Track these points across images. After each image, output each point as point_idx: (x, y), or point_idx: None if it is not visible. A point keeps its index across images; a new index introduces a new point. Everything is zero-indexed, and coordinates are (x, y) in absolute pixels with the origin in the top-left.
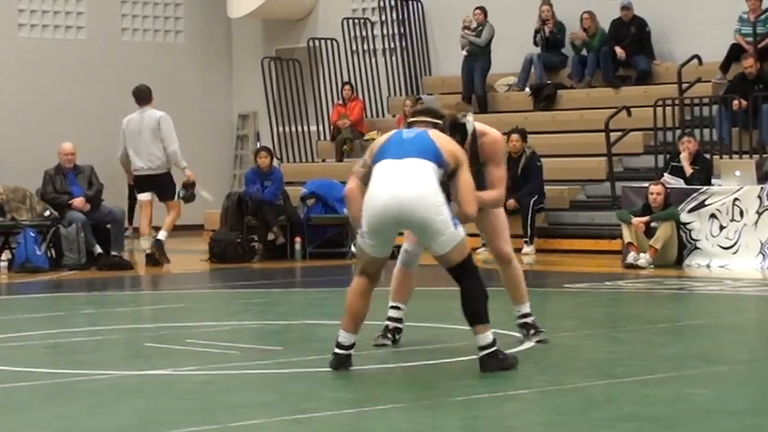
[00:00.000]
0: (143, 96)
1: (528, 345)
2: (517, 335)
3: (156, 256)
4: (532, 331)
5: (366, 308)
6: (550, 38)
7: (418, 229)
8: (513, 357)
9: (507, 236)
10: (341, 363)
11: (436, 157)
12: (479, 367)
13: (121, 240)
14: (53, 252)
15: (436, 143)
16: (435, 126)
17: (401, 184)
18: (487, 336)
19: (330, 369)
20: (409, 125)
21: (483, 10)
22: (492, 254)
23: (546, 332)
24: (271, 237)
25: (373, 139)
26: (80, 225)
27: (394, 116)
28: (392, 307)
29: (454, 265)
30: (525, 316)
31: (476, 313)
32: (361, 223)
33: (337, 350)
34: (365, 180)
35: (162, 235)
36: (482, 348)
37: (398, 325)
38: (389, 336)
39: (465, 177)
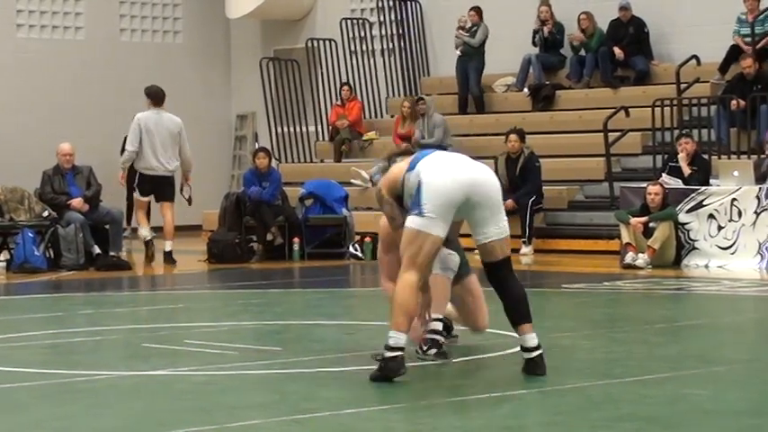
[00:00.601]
0: (161, 97)
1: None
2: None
3: (149, 253)
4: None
5: (417, 305)
6: (549, 38)
7: (488, 208)
8: (544, 365)
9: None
10: (400, 366)
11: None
12: (531, 369)
13: (120, 241)
14: (51, 252)
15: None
16: None
17: (472, 166)
18: (534, 337)
19: (385, 375)
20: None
21: (478, 11)
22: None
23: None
24: (269, 237)
25: (372, 140)
26: (78, 225)
27: (392, 117)
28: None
29: (502, 257)
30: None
31: (523, 311)
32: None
33: (393, 353)
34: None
35: (170, 245)
36: (531, 349)
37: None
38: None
39: None
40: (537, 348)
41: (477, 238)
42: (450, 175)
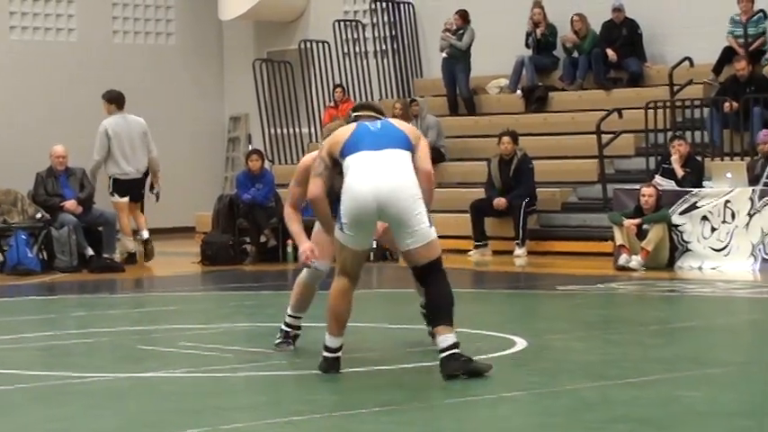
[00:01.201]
0: (123, 101)
1: (519, 347)
2: (507, 336)
3: (148, 250)
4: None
5: (350, 309)
6: (542, 40)
7: (396, 220)
8: (485, 364)
9: None
10: (330, 366)
11: (407, 144)
12: (440, 369)
13: (113, 243)
14: (45, 254)
15: (403, 130)
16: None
17: (384, 174)
18: (449, 337)
19: (320, 372)
20: (355, 119)
21: (463, 14)
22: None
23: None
24: (262, 239)
25: None
26: (72, 227)
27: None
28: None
29: (424, 262)
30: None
31: (440, 313)
32: (332, 223)
33: (326, 354)
34: (327, 180)
35: (146, 233)
36: (443, 350)
37: (298, 332)
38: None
39: (424, 144)
40: (447, 349)
41: (399, 245)
42: (365, 190)
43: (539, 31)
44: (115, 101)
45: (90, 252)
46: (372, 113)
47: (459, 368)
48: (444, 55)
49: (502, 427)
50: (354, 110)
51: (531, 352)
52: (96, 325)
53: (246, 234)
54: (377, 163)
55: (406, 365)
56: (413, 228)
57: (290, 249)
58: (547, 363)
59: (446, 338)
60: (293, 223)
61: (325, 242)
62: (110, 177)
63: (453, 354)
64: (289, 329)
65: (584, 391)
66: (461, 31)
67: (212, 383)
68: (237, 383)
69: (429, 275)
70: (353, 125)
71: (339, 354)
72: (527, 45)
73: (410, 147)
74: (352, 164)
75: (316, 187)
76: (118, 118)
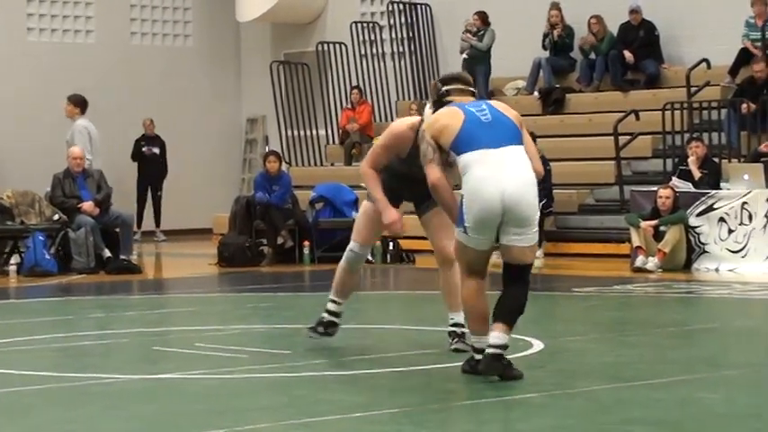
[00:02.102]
0: (87, 105)
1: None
2: (524, 338)
3: None
4: (456, 339)
5: (488, 305)
6: (559, 42)
7: (516, 221)
8: (520, 372)
9: (453, 235)
10: (492, 363)
11: (519, 136)
12: (480, 364)
13: (130, 244)
14: (62, 256)
15: (512, 119)
16: (468, 95)
17: (509, 177)
18: (503, 337)
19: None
20: (446, 95)
21: (482, 15)
22: (436, 254)
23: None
24: (279, 240)
25: None
26: (89, 229)
27: None
28: (332, 301)
29: (526, 262)
30: (460, 325)
31: (507, 312)
32: (455, 209)
33: (479, 356)
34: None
35: None
36: (492, 347)
37: (334, 319)
38: (324, 330)
39: (527, 137)
40: (496, 347)
41: (501, 237)
42: (493, 194)
43: (556, 33)
44: (81, 104)
45: (107, 253)
46: (464, 86)
47: (500, 370)
48: (465, 56)
49: (518, 429)
50: (444, 82)
51: (548, 354)
52: (113, 326)
53: (263, 235)
54: (500, 164)
55: (422, 367)
56: (528, 230)
57: (306, 251)
58: (563, 364)
59: (500, 337)
60: (375, 186)
61: (365, 226)
62: None
63: (500, 354)
64: (324, 315)
65: (601, 393)
66: (482, 33)
67: (230, 385)
68: (255, 385)
69: (517, 277)
70: (461, 113)
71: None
72: (544, 47)
73: (521, 138)
74: (472, 163)
75: (435, 173)
76: (88, 121)
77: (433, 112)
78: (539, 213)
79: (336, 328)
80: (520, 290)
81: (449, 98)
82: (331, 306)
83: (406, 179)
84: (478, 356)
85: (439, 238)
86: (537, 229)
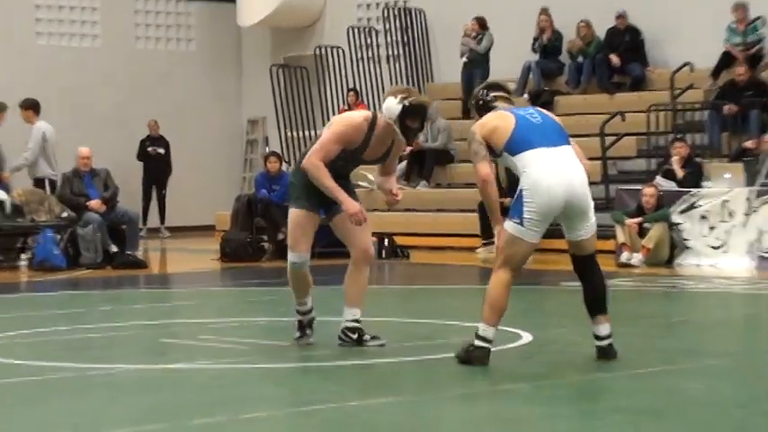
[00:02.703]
0: (40, 108)
1: (525, 340)
2: (513, 330)
3: None
4: (367, 337)
5: (508, 301)
6: (548, 45)
7: (578, 213)
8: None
9: (370, 234)
10: (485, 357)
11: (567, 137)
12: (602, 355)
13: (136, 240)
14: (71, 251)
15: (558, 122)
16: (510, 102)
17: (569, 172)
18: (607, 327)
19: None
20: (493, 100)
21: (480, 20)
22: (355, 250)
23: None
24: (279, 237)
25: None
26: (96, 225)
27: None
28: (298, 304)
29: (590, 252)
30: (358, 321)
31: (600, 303)
32: (498, 209)
33: (480, 344)
34: None
35: None
36: (603, 338)
37: (310, 315)
38: (310, 329)
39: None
40: (608, 337)
41: (569, 234)
42: (555, 186)
43: (545, 37)
44: (33, 107)
45: (114, 249)
46: (507, 94)
47: (615, 356)
48: (464, 60)
49: (508, 417)
50: (489, 88)
51: (536, 345)
52: (120, 319)
53: (264, 232)
54: (560, 160)
55: (416, 358)
56: (589, 220)
57: None
58: (551, 355)
59: (605, 327)
60: (327, 178)
61: (303, 236)
62: (44, 179)
63: (612, 344)
64: (301, 317)
65: (587, 383)
66: (480, 37)
67: (232, 375)
68: (255, 375)
69: (590, 265)
70: (511, 116)
71: (492, 345)
72: (534, 50)
73: (569, 139)
74: (532, 161)
75: (486, 169)
76: (46, 123)
77: (479, 117)
78: (592, 204)
79: (314, 319)
80: (598, 277)
81: (495, 104)
82: (300, 308)
83: (334, 177)
84: (480, 344)
85: (360, 238)
86: (594, 217)
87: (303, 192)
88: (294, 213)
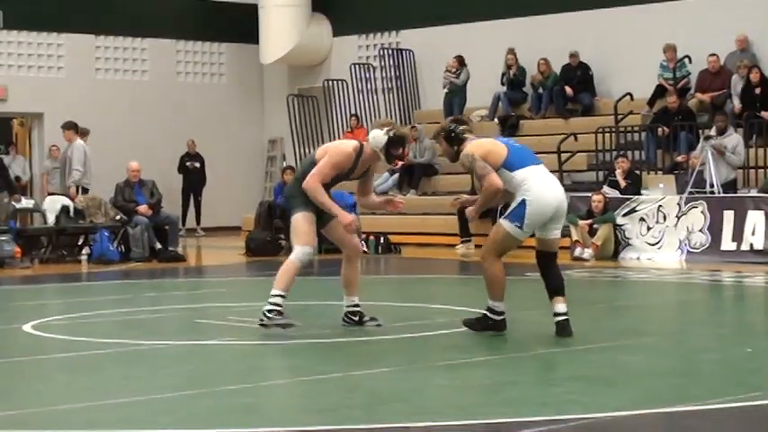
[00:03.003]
0: (78, 128)
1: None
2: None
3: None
4: (366, 318)
5: (504, 277)
6: (514, 79)
7: (559, 219)
8: (571, 331)
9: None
10: (502, 325)
11: None
12: (560, 330)
13: (176, 238)
14: (123, 248)
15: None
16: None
17: (559, 188)
18: (564, 306)
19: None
20: (463, 132)
21: (459, 58)
22: (347, 249)
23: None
24: None
25: None
26: (144, 226)
27: None
28: (280, 296)
29: (555, 250)
30: (357, 305)
31: (562, 287)
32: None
33: (496, 317)
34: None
35: None
36: (560, 314)
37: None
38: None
39: None
40: (565, 314)
41: (543, 233)
42: (551, 198)
43: (511, 72)
44: (73, 128)
45: (158, 246)
46: (470, 129)
47: (570, 333)
48: (446, 90)
49: (483, 384)
50: (459, 123)
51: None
52: (163, 303)
53: (281, 232)
54: (549, 176)
55: (408, 335)
56: (562, 224)
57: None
58: (518, 333)
59: (563, 306)
60: (324, 197)
61: (311, 231)
62: (79, 186)
63: (568, 320)
64: (280, 307)
65: (547, 355)
66: (459, 72)
67: (254, 350)
68: (274, 349)
69: (553, 260)
70: (499, 142)
71: (505, 315)
72: (502, 83)
73: None
74: (530, 176)
75: (498, 179)
76: (83, 142)
77: (446, 145)
78: None
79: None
80: (557, 269)
81: (465, 135)
82: (279, 300)
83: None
84: (495, 317)
85: (350, 238)
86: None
87: (307, 201)
88: (303, 216)
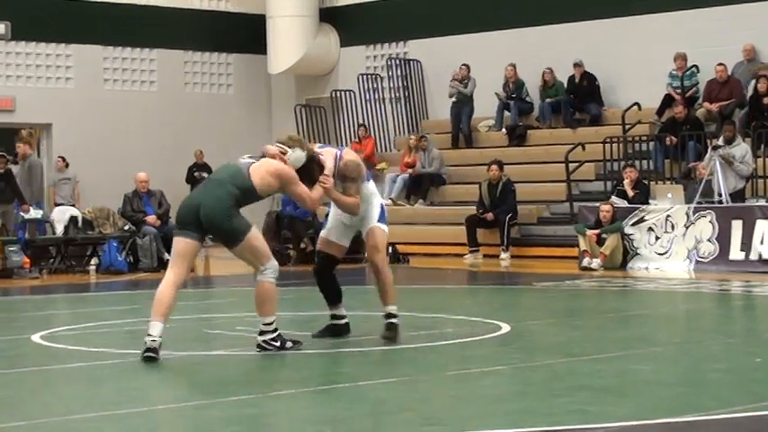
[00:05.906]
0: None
1: (504, 331)
2: (494, 321)
3: None
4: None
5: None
6: (513, 91)
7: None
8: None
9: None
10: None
11: None
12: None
13: None
14: (131, 258)
15: None
16: None
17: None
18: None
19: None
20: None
21: (467, 66)
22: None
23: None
24: (302, 246)
25: (383, 169)
26: (152, 237)
27: (399, 151)
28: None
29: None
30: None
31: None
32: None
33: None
34: None
35: None
36: (393, 316)
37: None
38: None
39: None
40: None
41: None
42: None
43: (510, 84)
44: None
45: (167, 256)
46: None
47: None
48: (453, 100)
49: (489, 394)
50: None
51: (513, 334)
52: (172, 313)
53: (289, 241)
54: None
55: (415, 345)
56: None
57: None
58: (525, 343)
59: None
60: (334, 192)
61: (267, 245)
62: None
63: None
64: (277, 332)
65: (555, 366)
66: (466, 81)
67: (262, 360)
68: (280, 359)
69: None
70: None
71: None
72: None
73: None
74: (374, 189)
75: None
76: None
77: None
78: None
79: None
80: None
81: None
82: (275, 325)
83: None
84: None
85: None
86: None
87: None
88: (255, 232)
